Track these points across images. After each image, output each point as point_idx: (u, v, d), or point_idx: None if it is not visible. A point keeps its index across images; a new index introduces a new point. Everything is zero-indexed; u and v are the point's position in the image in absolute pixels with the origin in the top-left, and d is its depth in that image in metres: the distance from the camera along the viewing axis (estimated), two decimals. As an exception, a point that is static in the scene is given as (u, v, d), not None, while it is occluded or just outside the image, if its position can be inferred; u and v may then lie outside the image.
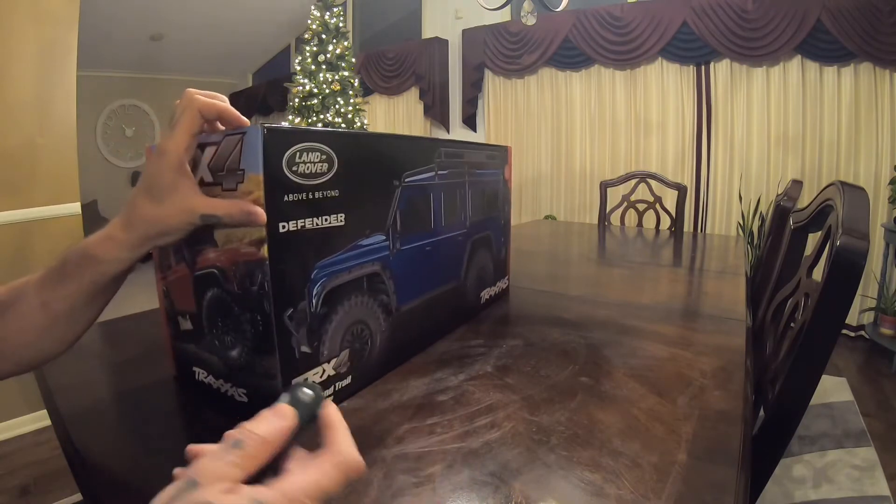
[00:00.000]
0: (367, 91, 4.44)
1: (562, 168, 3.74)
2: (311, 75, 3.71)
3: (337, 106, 3.72)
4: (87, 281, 0.43)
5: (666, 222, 2.19)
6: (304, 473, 0.26)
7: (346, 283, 0.54)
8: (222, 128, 0.46)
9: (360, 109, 3.87)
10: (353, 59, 3.88)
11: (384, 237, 0.59)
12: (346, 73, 3.77)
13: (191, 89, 0.43)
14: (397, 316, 0.63)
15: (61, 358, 0.51)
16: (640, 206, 2.22)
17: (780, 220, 1.15)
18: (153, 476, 0.44)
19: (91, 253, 0.42)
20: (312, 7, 3.75)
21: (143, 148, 4.39)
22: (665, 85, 3.25)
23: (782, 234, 1.06)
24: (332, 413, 0.29)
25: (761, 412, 0.69)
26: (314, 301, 0.49)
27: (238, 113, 0.45)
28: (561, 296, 1.04)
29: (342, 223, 0.52)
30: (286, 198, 0.45)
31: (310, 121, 3.70)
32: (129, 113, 5.49)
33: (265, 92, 5.44)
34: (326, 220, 0.50)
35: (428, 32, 4.29)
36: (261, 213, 0.43)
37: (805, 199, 1.04)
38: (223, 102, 0.44)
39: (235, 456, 0.25)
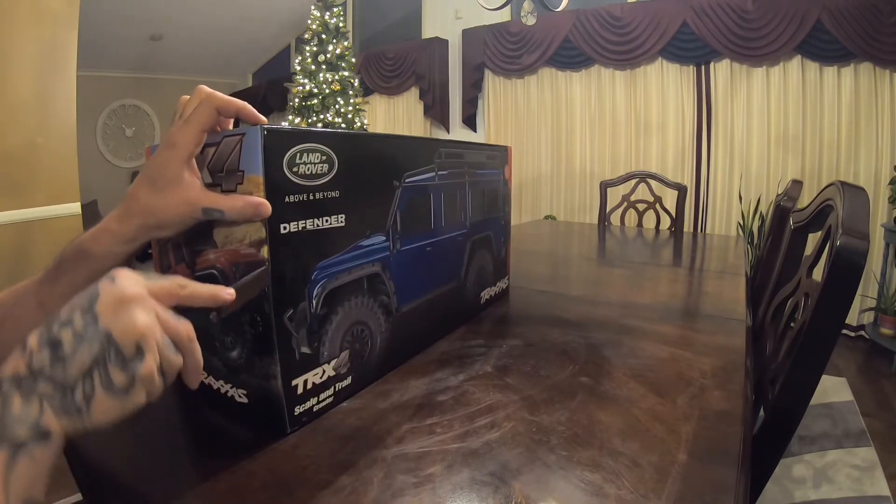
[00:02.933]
0: (367, 91, 4.45)
1: (562, 168, 3.74)
2: (311, 75, 3.71)
3: (337, 106, 3.72)
4: (82, 277, 0.42)
5: (666, 222, 2.19)
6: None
7: (347, 283, 0.54)
8: (228, 127, 0.47)
9: (360, 109, 3.87)
10: (353, 59, 3.88)
11: (384, 238, 0.59)
12: (346, 73, 3.77)
13: (203, 86, 0.43)
14: (397, 316, 0.63)
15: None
16: (640, 206, 2.22)
17: (780, 220, 1.15)
18: (153, 476, 0.44)
19: (85, 248, 0.42)
20: (312, 7, 3.76)
21: (143, 148, 4.39)
22: (665, 85, 3.25)
23: (782, 234, 1.06)
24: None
25: (761, 412, 0.69)
26: (314, 302, 0.49)
27: (256, 112, 0.45)
28: (561, 296, 1.04)
29: (342, 224, 0.52)
30: (287, 199, 0.45)
31: (310, 121, 3.70)
32: (129, 113, 5.49)
33: (265, 92, 5.44)
34: (327, 220, 0.50)
35: (428, 32, 4.29)
36: (266, 203, 0.42)
37: (805, 199, 1.04)
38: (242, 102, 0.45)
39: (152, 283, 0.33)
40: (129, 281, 0.31)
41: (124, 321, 0.29)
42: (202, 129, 0.42)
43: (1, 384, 0.26)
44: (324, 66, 3.73)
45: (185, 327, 0.34)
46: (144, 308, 0.31)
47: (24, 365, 0.27)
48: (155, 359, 0.31)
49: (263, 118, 0.45)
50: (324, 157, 0.49)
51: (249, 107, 0.45)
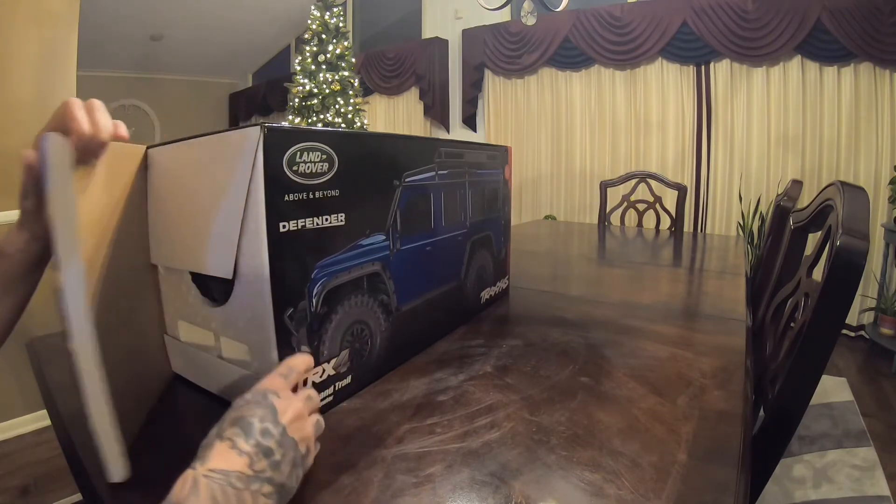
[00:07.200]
0: (367, 91, 4.44)
1: (562, 168, 3.74)
2: (311, 75, 3.71)
3: (337, 106, 3.71)
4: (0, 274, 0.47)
5: (666, 222, 2.19)
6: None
7: (347, 282, 0.54)
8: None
9: (360, 109, 3.87)
10: (353, 59, 3.88)
11: (384, 237, 0.59)
12: (346, 73, 3.77)
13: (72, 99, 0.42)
14: (397, 316, 0.63)
15: (61, 358, 0.51)
16: (640, 206, 2.22)
17: (780, 220, 1.15)
18: (153, 476, 0.44)
19: (0, 248, 0.47)
20: (312, 7, 3.75)
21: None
22: (665, 85, 3.24)
23: (782, 234, 1.06)
24: None
25: (761, 412, 0.69)
26: (314, 301, 0.49)
27: (76, 116, 0.41)
28: (561, 296, 1.04)
29: (342, 223, 0.52)
30: (286, 197, 0.45)
31: (310, 121, 3.70)
32: (129, 113, 5.49)
33: (265, 92, 5.43)
34: (327, 219, 0.50)
35: (428, 32, 4.29)
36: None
37: (805, 199, 1.04)
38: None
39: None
40: (292, 398, 0.39)
41: (302, 432, 0.38)
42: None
43: (230, 480, 0.32)
44: (324, 66, 3.73)
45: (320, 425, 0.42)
46: (307, 422, 0.39)
47: (246, 466, 0.33)
48: (314, 454, 0.40)
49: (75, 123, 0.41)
50: (324, 156, 0.49)
51: (71, 111, 0.41)
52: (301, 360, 0.44)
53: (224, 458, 0.33)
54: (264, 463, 0.34)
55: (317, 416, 0.42)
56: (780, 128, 2.90)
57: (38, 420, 1.91)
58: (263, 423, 0.35)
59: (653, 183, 2.21)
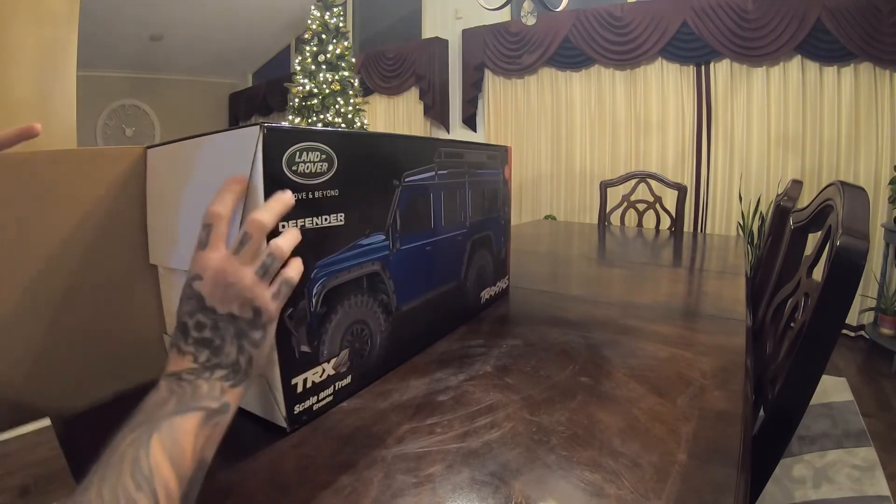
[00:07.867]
0: (367, 91, 4.44)
1: (562, 168, 3.74)
2: (311, 75, 3.71)
3: (337, 106, 3.72)
4: None
5: (666, 222, 2.19)
6: None
7: (346, 282, 0.54)
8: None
9: (360, 109, 3.87)
10: (353, 59, 3.88)
11: (384, 237, 0.59)
12: (346, 73, 3.77)
13: None
14: (397, 316, 0.63)
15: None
16: (640, 206, 2.22)
17: (780, 220, 1.15)
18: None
19: None
20: (312, 7, 3.76)
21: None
22: (665, 85, 3.25)
23: (782, 234, 1.06)
24: None
25: (761, 412, 0.69)
26: (314, 300, 0.49)
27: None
28: (561, 296, 1.04)
29: (342, 223, 0.52)
30: (286, 197, 0.45)
31: (310, 121, 3.70)
32: (129, 113, 5.49)
33: (265, 92, 5.44)
34: (326, 219, 0.50)
35: (428, 32, 4.29)
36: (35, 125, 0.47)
37: (805, 199, 1.04)
38: None
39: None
40: (211, 266, 0.36)
41: (237, 297, 0.36)
42: None
43: (181, 376, 0.34)
44: (324, 66, 3.73)
45: (280, 251, 0.39)
46: (239, 279, 0.36)
47: (190, 362, 0.35)
48: (270, 302, 0.38)
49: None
50: (323, 156, 0.49)
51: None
52: (223, 202, 0.39)
53: (175, 362, 0.35)
54: (206, 353, 0.35)
55: (267, 258, 0.38)
56: (780, 128, 2.90)
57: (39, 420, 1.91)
58: (194, 316, 0.36)
59: (653, 183, 2.21)
